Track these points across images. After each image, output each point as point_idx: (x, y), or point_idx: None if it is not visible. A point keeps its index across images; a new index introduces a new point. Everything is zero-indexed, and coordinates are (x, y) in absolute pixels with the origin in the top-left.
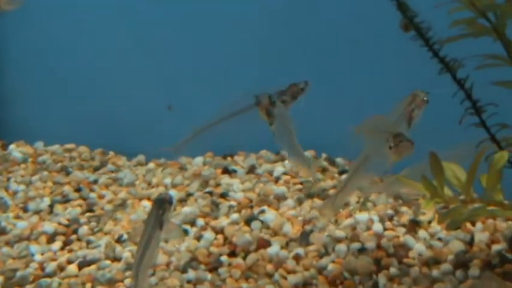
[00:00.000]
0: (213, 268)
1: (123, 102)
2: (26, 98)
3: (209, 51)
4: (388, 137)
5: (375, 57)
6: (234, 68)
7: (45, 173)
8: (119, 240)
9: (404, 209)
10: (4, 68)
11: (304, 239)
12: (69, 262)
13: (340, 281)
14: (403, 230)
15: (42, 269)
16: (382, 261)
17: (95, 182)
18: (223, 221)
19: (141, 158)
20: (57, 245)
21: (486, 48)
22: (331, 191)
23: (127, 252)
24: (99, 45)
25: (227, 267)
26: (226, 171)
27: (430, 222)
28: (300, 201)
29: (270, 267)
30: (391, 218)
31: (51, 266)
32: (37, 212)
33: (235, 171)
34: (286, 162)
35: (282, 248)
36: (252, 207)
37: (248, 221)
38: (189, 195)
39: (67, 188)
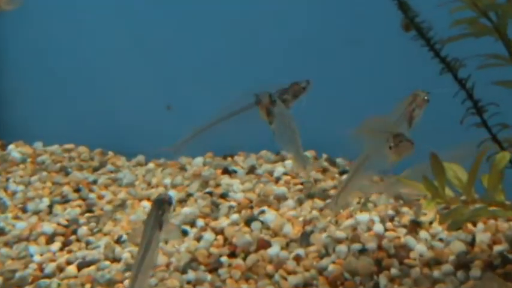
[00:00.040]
0: (213, 269)
1: (123, 102)
2: (25, 98)
3: (209, 51)
4: (388, 137)
5: (375, 57)
6: (234, 68)
7: (44, 173)
8: (118, 241)
9: (405, 209)
10: (3, 68)
11: (304, 239)
12: (69, 263)
13: (340, 282)
14: (404, 230)
15: (41, 269)
16: (383, 262)
17: (94, 182)
18: (223, 222)
19: (140, 158)
20: (56, 245)
21: (487, 48)
22: (332, 192)
23: (126, 253)
24: (99, 45)
25: (227, 268)
26: (226, 171)
27: (431, 222)
28: (300, 202)
29: (270, 268)
30: (392, 219)
31: (50, 267)
32: (36, 212)
33: (235, 171)
34: (287, 162)
35: (282, 248)
36: (252, 207)
37: (248, 222)
38: (188, 195)
39: (66, 189)
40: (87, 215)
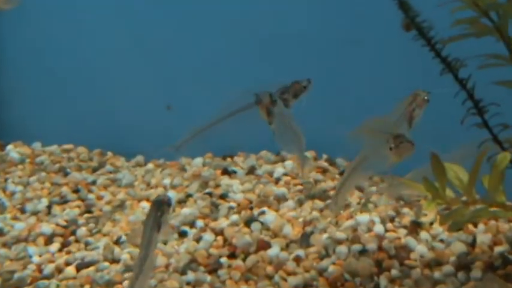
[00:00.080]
0: (213, 270)
1: (122, 103)
2: (24, 98)
3: (208, 51)
4: (388, 138)
5: (375, 57)
6: (234, 68)
7: (43, 173)
8: (117, 242)
9: (405, 210)
10: (1, 68)
11: (304, 240)
12: (67, 264)
13: (340, 283)
14: (404, 231)
15: (40, 270)
16: (384, 263)
17: (93, 183)
18: (222, 223)
19: (140, 158)
20: (55, 246)
21: (488, 48)
22: (332, 192)
23: (126, 254)
24: (98, 45)
25: (227, 269)
26: (226, 172)
27: (431, 223)
28: (300, 203)
29: (270, 269)
30: (392, 220)
31: (49, 268)
32: (35, 213)
33: (235, 172)
34: (287, 163)
35: (282, 249)
36: (251, 208)
37: (248, 222)
38: (188, 196)
39: (65, 189)
40: (86, 215)
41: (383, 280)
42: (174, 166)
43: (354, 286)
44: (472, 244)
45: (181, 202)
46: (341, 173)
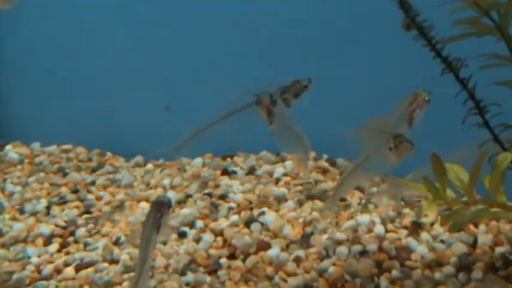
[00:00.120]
0: (212, 271)
1: (121, 103)
2: (22, 98)
3: (208, 51)
4: (388, 138)
5: (376, 57)
6: (233, 68)
7: (42, 174)
8: (116, 243)
9: (406, 210)
10: (0, 68)
11: (304, 241)
12: (66, 265)
13: (341, 284)
14: (405, 232)
15: (39, 271)
16: (384, 263)
17: (93, 183)
18: (222, 223)
19: (139, 159)
20: (54, 247)
21: (489, 47)
22: (331, 192)
23: (125, 255)
24: (96, 45)
25: (226, 269)
26: (226, 172)
27: (432, 224)
28: (300, 203)
29: (270, 270)
30: (393, 220)
31: (47, 269)
32: (34, 213)
33: (234, 172)
34: (287, 163)
35: (282, 250)
36: (251, 208)
37: (248, 223)
38: (188, 196)
39: (64, 190)
40: (85, 216)
41: (383, 281)
42: (174, 166)
43: (354, 287)
44: (473, 245)
45: (181, 202)
46: (341, 174)
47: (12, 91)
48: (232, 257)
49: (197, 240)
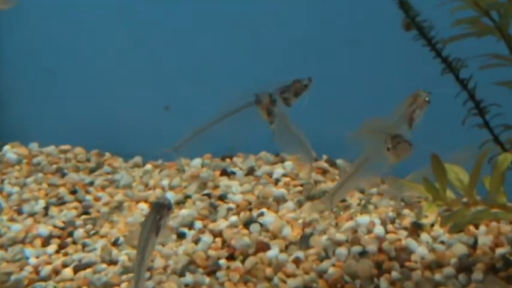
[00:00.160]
0: (211, 272)
1: (120, 103)
2: (21, 98)
3: (208, 51)
4: (386, 139)
5: (375, 57)
6: (233, 68)
7: (40, 174)
8: (115, 244)
9: (406, 211)
10: None
11: (304, 242)
12: (65, 266)
13: (340, 285)
14: (405, 233)
15: (37, 272)
16: (384, 264)
17: (91, 184)
18: (221, 224)
19: (138, 159)
20: (52, 248)
21: (489, 47)
22: (330, 191)
23: (123, 256)
24: (95, 45)
25: (225, 270)
26: (225, 173)
27: (432, 225)
28: (300, 204)
29: (269, 271)
30: (392, 221)
31: (46, 270)
32: (32, 214)
33: (234, 173)
34: (286, 163)
35: (281, 251)
36: (251, 209)
37: (247, 224)
38: (186, 197)
39: (62, 190)
40: (83, 217)
41: (383, 282)
42: (173, 167)
43: None
44: (473, 246)
45: (180, 203)
46: (341, 175)
47: (11, 91)
48: (231, 258)
49: (196, 241)
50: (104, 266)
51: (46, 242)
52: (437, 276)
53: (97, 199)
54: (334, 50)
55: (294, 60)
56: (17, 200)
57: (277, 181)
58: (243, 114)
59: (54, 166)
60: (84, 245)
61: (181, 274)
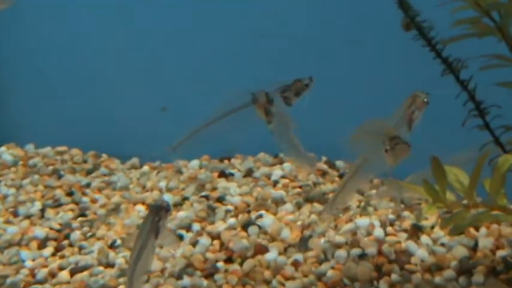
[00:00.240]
0: (209, 274)
1: (117, 104)
2: (17, 99)
3: (206, 52)
4: (385, 140)
5: (375, 57)
6: (232, 69)
7: (36, 176)
8: (112, 246)
9: (406, 213)
10: None
11: (303, 244)
12: (61, 268)
13: None
14: (404, 235)
15: (33, 275)
16: (383, 267)
17: (88, 185)
18: (219, 226)
19: (135, 160)
20: (48, 250)
21: (490, 48)
22: (331, 195)
23: (120, 258)
24: (91, 45)
25: (223, 273)
26: (223, 174)
27: (432, 227)
28: (298, 206)
29: (267, 274)
30: (392, 223)
31: (42, 273)
32: (28, 216)
33: (232, 174)
34: (285, 165)
35: (280, 253)
36: (249, 211)
37: (245, 226)
38: (184, 199)
39: (59, 192)
40: (80, 219)
41: (383, 285)
42: (170, 168)
43: None
44: (474, 248)
45: (178, 205)
46: (340, 176)
47: (6, 92)
48: (229, 260)
49: (194, 243)
50: (101, 268)
51: (42, 245)
52: (438, 279)
53: (94, 201)
54: (334, 50)
55: (294, 60)
56: (13, 201)
57: (275, 183)
58: (240, 114)
59: (51, 168)
60: (80, 248)
61: (179, 277)
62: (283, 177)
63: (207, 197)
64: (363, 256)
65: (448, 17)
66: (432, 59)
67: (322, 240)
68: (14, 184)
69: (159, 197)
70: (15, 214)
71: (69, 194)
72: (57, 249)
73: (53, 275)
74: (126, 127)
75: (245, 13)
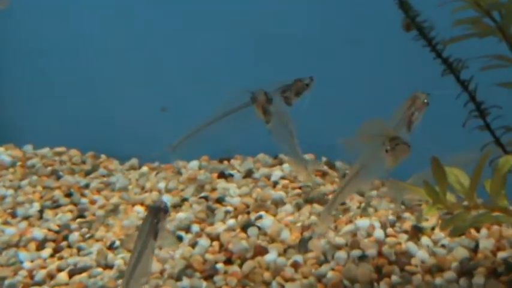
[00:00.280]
0: (209, 276)
1: (116, 104)
2: (15, 100)
3: (206, 52)
4: (384, 141)
5: (375, 57)
6: (232, 69)
7: (35, 177)
8: (110, 247)
9: (406, 215)
10: None
11: (302, 245)
12: (59, 270)
13: None
14: (405, 236)
15: (32, 277)
16: (384, 268)
17: (86, 186)
18: (219, 227)
19: (134, 161)
20: (47, 252)
21: (491, 48)
22: (331, 196)
23: (119, 260)
24: (90, 46)
25: (223, 275)
26: (223, 175)
27: (433, 228)
28: (298, 207)
29: (267, 275)
30: (392, 224)
31: (40, 274)
32: (26, 217)
33: (231, 175)
34: (285, 166)
35: (279, 255)
36: (248, 212)
37: (245, 227)
38: (183, 200)
39: (57, 193)
40: (78, 220)
41: (383, 286)
42: (169, 169)
43: None
44: (475, 249)
45: (177, 206)
46: (340, 177)
47: (5, 92)
48: (228, 262)
49: (193, 244)
50: (100, 270)
51: (41, 246)
52: (438, 281)
53: (92, 202)
54: (334, 50)
55: (294, 60)
56: (11, 202)
57: (275, 184)
58: (240, 114)
59: (49, 168)
60: (79, 249)
61: (178, 278)
62: (282, 178)
63: (206, 198)
64: (363, 257)
65: (449, 17)
66: (432, 59)
67: (322, 241)
68: (12, 185)
69: (158, 198)
70: (14, 215)
71: (68, 195)
72: (56, 251)
73: (51, 276)
74: (125, 127)
75: (245, 13)
